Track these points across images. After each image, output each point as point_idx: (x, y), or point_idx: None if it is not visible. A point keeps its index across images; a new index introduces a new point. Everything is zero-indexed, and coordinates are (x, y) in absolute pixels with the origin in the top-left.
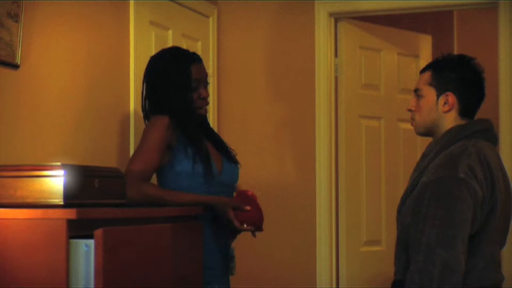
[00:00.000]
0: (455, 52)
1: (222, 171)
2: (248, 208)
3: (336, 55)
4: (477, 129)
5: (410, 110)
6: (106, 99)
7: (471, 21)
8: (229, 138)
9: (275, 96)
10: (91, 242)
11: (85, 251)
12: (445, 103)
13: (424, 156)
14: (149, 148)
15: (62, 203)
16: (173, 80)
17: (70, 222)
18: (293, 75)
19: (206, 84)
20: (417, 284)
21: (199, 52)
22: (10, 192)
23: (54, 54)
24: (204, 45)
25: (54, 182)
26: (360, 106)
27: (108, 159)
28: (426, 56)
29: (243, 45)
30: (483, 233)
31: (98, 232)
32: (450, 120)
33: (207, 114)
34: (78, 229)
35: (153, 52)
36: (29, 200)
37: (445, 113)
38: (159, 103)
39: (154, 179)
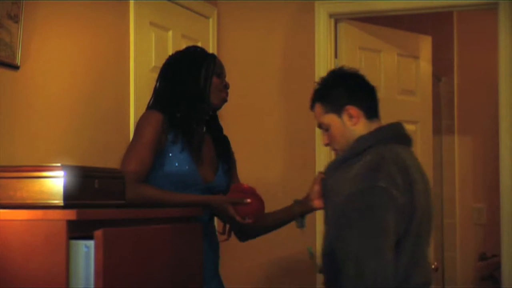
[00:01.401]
0: (456, 53)
1: (211, 181)
2: (248, 200)
3: (336, 56)
4: (388, 135)
5: (327, 145)
6: (106, 100)
7: (471, 22)
8: (228, 138)
9: (275, 97)
10: (91, 243)
11: (85, 252)
12: (350, 117)
13: (337, 161)
14: (143, 145)
15: (62, 204)
16: (201, 64)
17: (70, 223)
18: (293, 76)
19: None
20: None
21: None
22: (10, 193)
23: (54, 55)
24: (204, 46)
25: (54, 183)
26: None
27: (108, 160)
28: (426, 57)
29: (243, 46)
30: (406, 238)
31: (98, 233)
32: (361, 128)
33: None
34: (78, 230)
35: (153, 53)
36: (29, 201)
37: (354, 126)
38: (175, 92)
39: None
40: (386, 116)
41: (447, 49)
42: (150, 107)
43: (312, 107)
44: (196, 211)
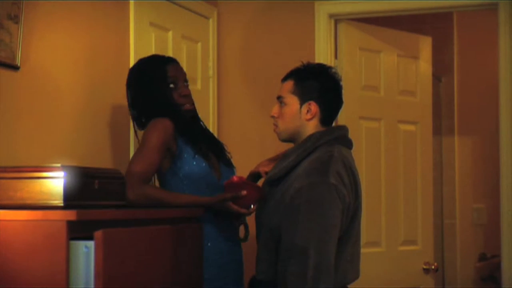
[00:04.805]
0: (456, 53)
1: (221, 177)
2: (244, 192)
3: (336, 57)
4: (337, 135)
5: (273, 117)
6: (106, 101)
7: (471, 22)
8: (228, 139)
9: (275, 97)
10: (91, 243)
11: (85, 253)
12: (308, 111)
13: (286, 156)
14: (150, 149)
15: (62, 204)
16: (151, 80)
17: (70, 224)
18: None
19: (186, 83)
20: (292, 285)
21: (199, 54)
22: (10, 193)
23: (54, 56)
24: (204, 46)
25: (54, 183)
26: (360, 107)
27: (108, 161)
28: (426, 57)
29: (243, 46)
30: (347, 235)
31: (98, 234)
32: (311, 127)
33: (201, 118)
34: (78, 230)
35: (153, 53)
36: (29, 202)
37: (307, 121)
38: (146, 107)
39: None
40: (386, 116)
41: (447, 49)
42: (143, 117)
43: (284, 79)
44: (197, 211)
